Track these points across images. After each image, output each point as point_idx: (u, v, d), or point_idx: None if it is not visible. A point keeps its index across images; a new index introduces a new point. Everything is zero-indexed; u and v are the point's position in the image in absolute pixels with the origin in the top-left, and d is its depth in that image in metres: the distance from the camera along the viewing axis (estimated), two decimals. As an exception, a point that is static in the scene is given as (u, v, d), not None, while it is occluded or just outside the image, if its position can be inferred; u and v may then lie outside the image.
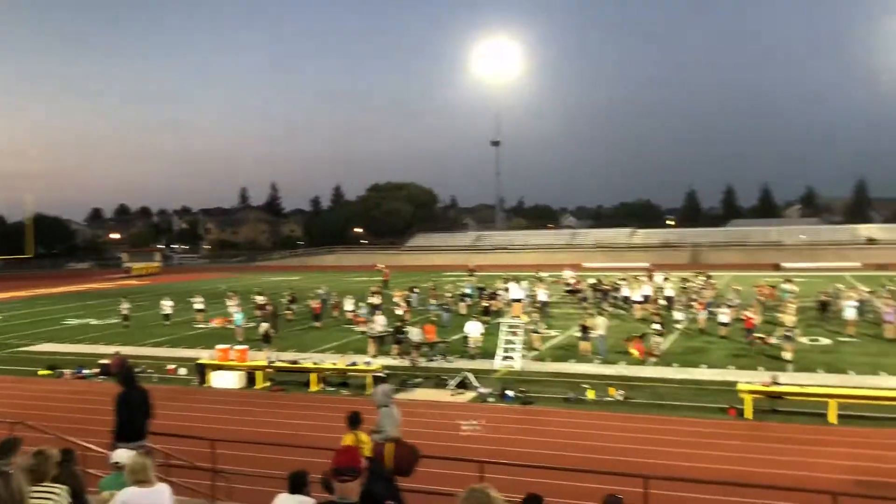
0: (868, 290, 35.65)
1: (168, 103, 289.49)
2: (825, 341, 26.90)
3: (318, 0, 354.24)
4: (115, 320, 37.87)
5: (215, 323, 35.31)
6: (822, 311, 32.41)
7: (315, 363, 22.52)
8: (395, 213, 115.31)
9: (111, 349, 27.41)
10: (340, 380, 22.07)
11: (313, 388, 21.53)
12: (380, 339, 26.85)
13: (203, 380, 22.68)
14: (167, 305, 36.84)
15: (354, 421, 8.64)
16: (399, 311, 32.73)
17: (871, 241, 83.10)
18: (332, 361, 23.18)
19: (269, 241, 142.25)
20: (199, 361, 23.42)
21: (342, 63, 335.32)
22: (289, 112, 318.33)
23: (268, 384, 22.22)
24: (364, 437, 8.21)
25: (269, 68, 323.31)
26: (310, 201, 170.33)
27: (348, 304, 35.81)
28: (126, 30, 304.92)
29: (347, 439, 8.32)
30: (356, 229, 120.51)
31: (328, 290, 41.35)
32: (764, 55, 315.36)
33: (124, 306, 36.69)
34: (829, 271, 60.88)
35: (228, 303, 37.01)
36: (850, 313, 28.75)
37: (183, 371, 24.25)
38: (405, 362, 24.61)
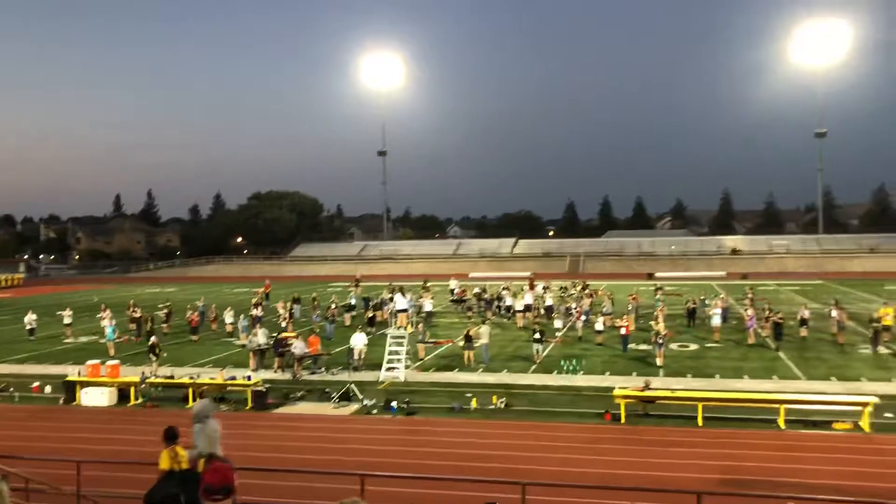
0: (733, 298, 37.84)
1: (33, 106, 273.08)
2: (693, 347, 28.36)
3: (203, 4, 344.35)
4: (-28, 336, 35.26)
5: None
6: (690, 319, 34.17)
7: (192, 378, 21.76)
8: (277, 223, 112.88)
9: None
10: (219, 395, 21.41)
11: (190, 404, 20.78)
12: (261, 353, 26.22)
13: (71, 398, 21.44)
14: (31, 319, 34.64)
15: (170, 436, 8.44)
16: (282, 324, 32.10)
17: (735, 251, 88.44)
18: (210, 376, 22.47)
19: (144, 252, 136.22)
20: (67, 378, 22.13)
21: (225, 68, 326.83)
22: (167, 117, 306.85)
23: (141, 401, 21.28)
24: (182, 452, 8.06)
25: (147, 71, 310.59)
26: (188, 210, 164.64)
27: (228, 317, 34.82)
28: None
29: (164, 456, 8.14)
30: (237, 239, 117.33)
31: (206, 303, 40.06)
32: (638, 75, 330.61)
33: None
34: (697, 280, 64.36)
35: (100, 316, 35.20)
36: (716, 320, 30.44)
37: (49, 389, 22.85)
38: (287, 376, 24.15)
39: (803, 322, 29.18)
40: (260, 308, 35.57)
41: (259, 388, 20.59)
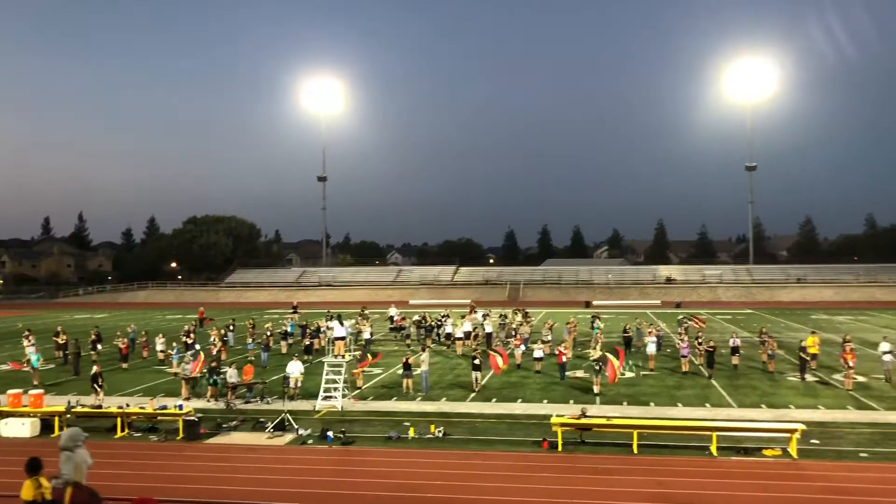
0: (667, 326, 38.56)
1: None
2: (629, 375, 28.72)
3: (137, 25, 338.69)
4: None
5: (11, 366, 32.09)
6: (627, 346, 34.65)
7: (121, 407, 21.00)
8: (213, 248, 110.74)
9: None
10: (149, 424, 20.74)
11: (119, 434, 20.06)
12: (193, 381, 25.54)
13: (-12, 429, 20.43)
14: (-52, 347, 33.09)
15: (32, 467, 8.19)
16: (214, 351, 31.36)
17: (669, 280, 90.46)
18: (140, 405, 21.74)
19: (74, 276, 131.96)
20: (-15, 409, 21.10)
21: (161, 90, 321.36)
22: (100, 139, 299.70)
23: (65, 432, 20.40)
24: (45, 482, 7.82)
25: (78, 93, 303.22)
26: (121, 234, 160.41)
27: (159, 344, 33.86)
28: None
29: (26, 487, 7.90)
30: (171, 264, 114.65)
31: (137, 329, 38.94)
32: (578, 107, 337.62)
33: None
34: (632, 308, 65.50)
35: (25, 343, 33.84)
36: (651, 348, 30.94)
37: (-36, 420, 21.71)
38: (220, 405, 23.54)
39: (735, 350, 29.89)
40: (192, 335, 34.71)
41: (191, 418, 19.99)
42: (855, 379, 25.81)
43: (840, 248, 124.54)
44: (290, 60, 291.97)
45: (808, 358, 28.03)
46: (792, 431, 17.45)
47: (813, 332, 32.84)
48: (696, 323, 38.57)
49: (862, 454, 17.21)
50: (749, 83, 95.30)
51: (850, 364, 25.57)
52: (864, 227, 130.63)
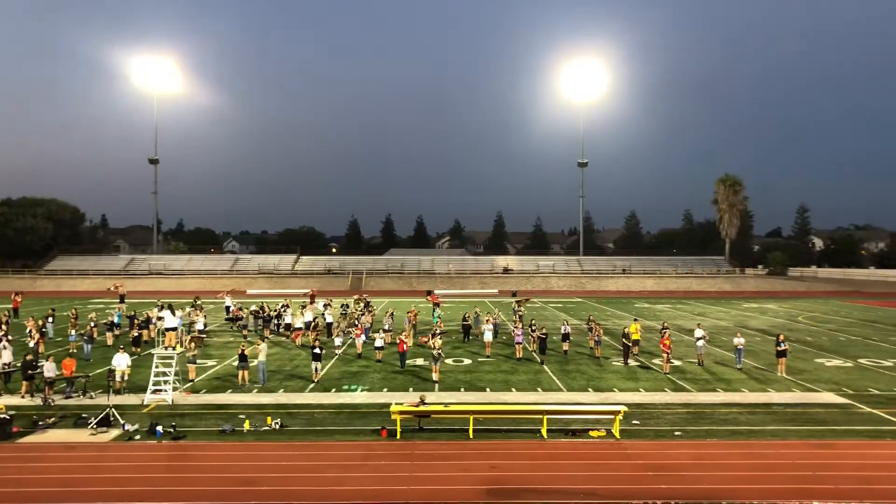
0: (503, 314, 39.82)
1: None
2: (467, 361, 29.42)
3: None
4: None
5: None
6: (465, 334, 35.50)
7: (-84, 407, 18.94)
8: (30, 232, 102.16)
9: None
10: (-49, 425, 18.85)
11: (-87, 437, 18.10)
12: (5, 376, 23.51)
13: None
14: None
15: None
16: (31, 343, 29.03)
17: (506, 270, 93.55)
18: (-59, 404, 19.71)
19: None
20: None
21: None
22: None
23: None
24: None
25: None
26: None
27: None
28: None
29: None
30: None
31: (-60, 320, 35.32)
32: (423, 98, 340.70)
33: None
34: (472, 297, 67.20)
35: None
36: (488, 336, 31.85)
37: None
38: (37, 401, 21.82)
39: (565, 337, 31.37)
40: (5, 326, 31.95)
41: (2, 416, 18.38)
42: (672, 363, 27.83)
43: (661, 241, 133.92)
44: (121, 35, 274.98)
45: (631, 344, 29.90)
46: (615, 413, 18.59)
47: (635, 320, 35.14)
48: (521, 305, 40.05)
49: (677, 433, 18.59)
50: (583, 84, 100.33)
51: (668, 349, 27.55)
52: (682, 222, 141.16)
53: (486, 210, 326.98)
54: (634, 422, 19.43)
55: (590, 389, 24.18)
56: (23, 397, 22.32)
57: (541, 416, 18.69)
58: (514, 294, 70.99)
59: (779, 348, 27.14)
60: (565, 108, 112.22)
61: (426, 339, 28.19)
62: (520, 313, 37.32)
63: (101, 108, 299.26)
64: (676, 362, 28.77)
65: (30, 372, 22.87)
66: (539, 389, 24.13)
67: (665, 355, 27.45)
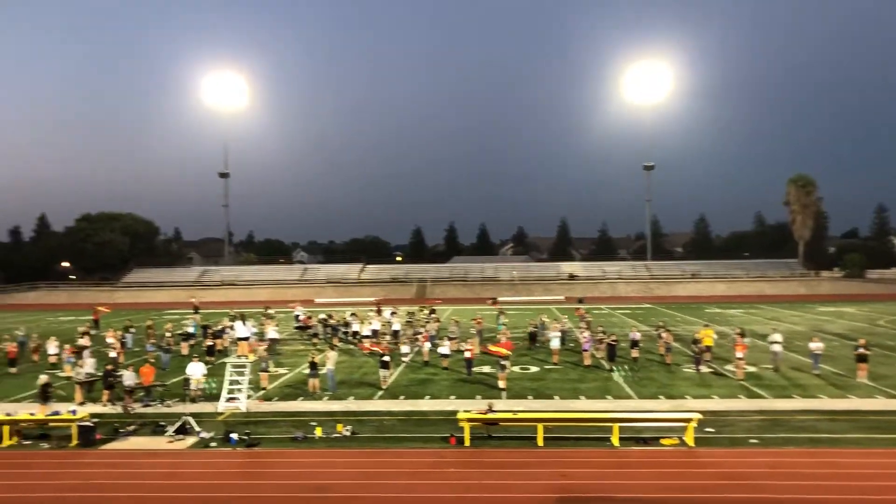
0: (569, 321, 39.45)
1: None
2: (534, 369, 29.25)
3: (29, 20, 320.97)
4: None
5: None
6: (531, 341, 35.31)
7: (8, 414, 19.87)
8: (109, 246, 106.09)
9: None
10: (40, 432, 19.71)
11: (6, 442, 18.98)
12: (88, 385, 24.46)
13: None
14: None
15: None
16: (112, 353, 30.12)
17: (572, 276, 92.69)
18: (30, 412, 20.63)
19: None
20: None
21: (52, 82, 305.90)
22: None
23: (-55, 443, 19.18)
24: None
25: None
26: (8, 231, 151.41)
27: (51, 347, 32.23)
28: None
29: None
30: (63, 264, 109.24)
31: (27, 332, 36.98)
32: (484, 107, 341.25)
33: None
34: (537, 304, 66.82)
35: None
36: (554, 343, 31.61)
37: None
38: (118, 409, 22.62)
39: (634, 344, 30.89)
40: (88, 337, 33.24)
41: (86, 423, 19.12)
42: (746, 369, 27.13)
43: (731, 245, 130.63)
44: (191, 54, 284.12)
45: (703, 350, 29.26)
46: (688, 421, 18.20)
47: (706, 326, 34.36)
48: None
49: (752, 440, 18.10)
50: (648, 85, 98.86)
51: (742, 355, 26.85)
52: (753, 225, 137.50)
53: (549, 216, 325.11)
54: (708, 429, 18.99)
55: (661, 397, 23.76)
56: (104, 405, 23.15)
57: (611, 424, 18.45)
58: (580, 301, 70.27)
59: (859, 353, 26.16)
60: (630, 111, 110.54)
61: (490, 348, 28.11)
62: (587, 320, 36.92)
63: (174, 125, 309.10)
64: (751, 368, 28.02)
65: (111, 381, 23.73)
66: (608, 397, 23.82)
67: (739, 361, 26.77)
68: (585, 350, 30.07)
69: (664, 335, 31.36)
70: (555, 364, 30.22)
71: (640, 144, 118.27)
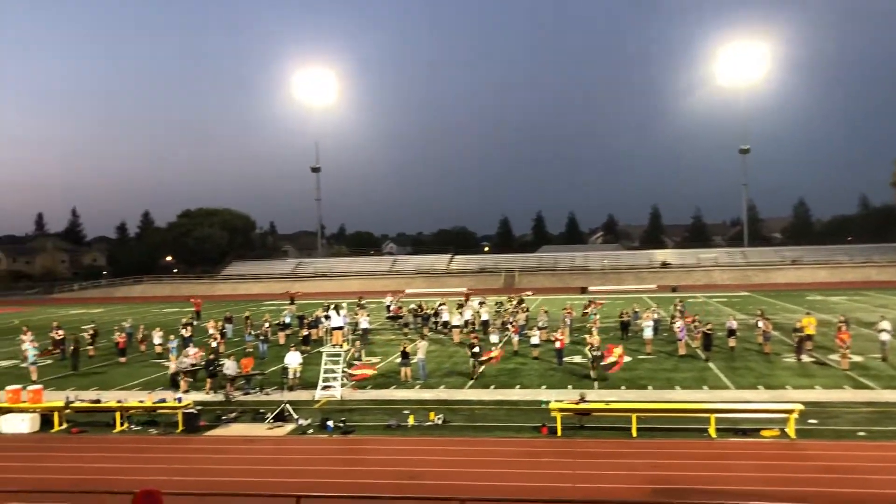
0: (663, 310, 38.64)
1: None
2: (627, 359, 28.79)
3: (128, 20, 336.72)
4: None
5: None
6: (624, 331, 34.76)
7: (119, 401, 21.00)
8: (208, 241, 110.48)
9: None
10: (148, 418, 20.77)
11: (118, 428, 20.09)
12: (192, 374, 25.58)
13: (-11, 426, 20.46)
14: (-54, 344, 32.97)
15: None
16: (213, 344, 31.37)
17: (664, 264, 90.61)
18: (139, 399, 21.75)
19: (68, 272, 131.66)
20: (-15, 405, 21.08)
21: (153, 84, 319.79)
22: (93, 134, 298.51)
23: (66, 426, 20.45)
24: None
25: (71, 88, 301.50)
26: (115, 228, 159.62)
27: (157, 338, 33.84)
28: None
29: None
30: (166, 258, 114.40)
31: (134, 323, 38.93)
32: (572, 92, 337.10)
33: None
34: (629, 293, 65.66)
35: (22, 339, 33.85)
36: (647, 332, 31.02)
37: (-36, 417, 21.74)
38: (219, 397, 23.57)
39: (731, 333, 29.99)
40: (190, 328, 34.73)
41: (190, 410, 20.03)
42: (851, 359, 25.95)
43: (834, 229, 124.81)
44: (282, 52, 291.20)
45: (804, 339, 28.16)
46: (790, 412, 17.56)
47: (808, 313, 32.99)
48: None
49: (860, 433, 17.33)
50: (742, 66, 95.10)
51: (846, 344, 25.70)
52: (857, 208, 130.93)
53: (640, 203, 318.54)
54: (811, 421, 18.27)
55: (760, 387, 23.02)
56: (207, 393, 24.17)
57: (708, 415, 18.00)
58: (674, 289, 68.70)
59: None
60: (724, 92, 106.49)
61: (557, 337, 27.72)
62: (680, 308, 36.07)
63: (267, 121, 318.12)
64: (856, 358, 26.77)
65: (212, 370, 24.75)
66: (705, 387, 23.25)
67: (843, 350, 25.64)
68: (680, 339, 29.40)
69: (762, 324, 30.30)
70: (648, 354, 29.69)
71: (736, 127, 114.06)
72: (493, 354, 25.57)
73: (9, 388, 21.87)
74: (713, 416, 17.84)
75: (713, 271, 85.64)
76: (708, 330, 28.87)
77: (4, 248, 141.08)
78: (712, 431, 17.52)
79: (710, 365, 27.00)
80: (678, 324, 30.56)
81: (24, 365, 29.68)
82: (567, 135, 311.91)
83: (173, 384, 25.00)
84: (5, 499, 10.63)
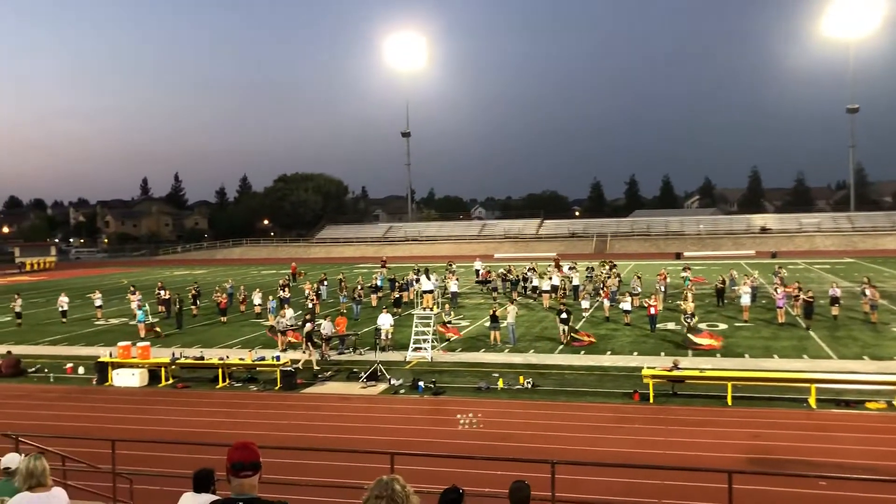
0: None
1: (65, 91, 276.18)
2: (722, 326, 28.07)
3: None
4: (7, 318, 35.99)
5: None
6: (719, 298, 33.82)
7: (221, 359, 21.97)
8: (303, 205, 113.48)
9: (2, 349, 25.99)
10: (248, 375, 21.65)
11: (220, 384, 21.03)
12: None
13: (103, 379, 21.80)
14: (63, 302, 35.16)
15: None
16: (309, 305, 32.30)
17: (764, 229, 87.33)
18: (240, 357, 22.68)
19: (172, 234, 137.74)
20: (100, 360, 22.46)
21: (250, 53, 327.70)
22: (194, 102, 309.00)
23: (172, 381, 21.57)
24: None
25: (173, 58, 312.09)
26: (215, 192, 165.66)
27: (256, 298, 35.11)
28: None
29: None
30: (264, 221, 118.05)
31: (235, 284, 40.47)
32: (665, 51, 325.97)
33: (17, 303, 34.75)
34: (725, 259, 63.69)
35: (130, 298, 35.78)
36: (745, 299, 30.08)
37: (82, 370, 23.25)
38: (315, 356, 24.30)
39: (834, 301, 28.75)
40: (287, 289, 35.85)
41: (288, 369, 20.76)
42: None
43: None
44: (374, 17, 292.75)
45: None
46: (897, 384, 16.77)
47: (920, 282, 31.24)
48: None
49: (975, 408, 16.40)
50: (850, 18, 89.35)
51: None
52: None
53: (738, 166, 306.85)
54: (922, 394, 17.40)
55: (865, 357, 22.05)
56: (303, 353, 24.95)
57: (808, 385, 17.38)
58: (773, 255, 66.24)
59: None
60: (829, 47, 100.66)
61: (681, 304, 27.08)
62: (780, 275, 34.77)
63: (359, 86, 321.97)
64: (974, 330, 25.24)
65: (309, 330, 25.48)
66: (805, 357, 22.44)
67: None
68: (780, 307, 28.40)
69: (869, 291, 28.88)
70: (745, 321, 28.82)
71: (843, 85, 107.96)
72: (587, 338, 25.17)
73: (120, 344, 23.16)
74: (814, 387, 17.21)
75: (816, 237, 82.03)
76: (809, 297, 27.77)
77: (113, 211, 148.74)
78: (812, 402, 16.92)
79: (812, 333, 26.01)
80: (778, 291, 29.49)
81: (132, 323, 31.35)
82: (661, 96, 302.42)
83: (310, 342, 24.55)
84: (119, 447, 11.32)
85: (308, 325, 23.69)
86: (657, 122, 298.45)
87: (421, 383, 19.63)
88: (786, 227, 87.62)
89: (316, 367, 21.81)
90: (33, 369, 23.70)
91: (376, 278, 40.56)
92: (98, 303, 36.02)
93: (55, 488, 5.88)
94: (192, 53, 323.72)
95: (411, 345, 23.76)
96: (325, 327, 24.71)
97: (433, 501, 5.06)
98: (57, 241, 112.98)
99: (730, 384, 17.63)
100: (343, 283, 39.01)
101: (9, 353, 24.32)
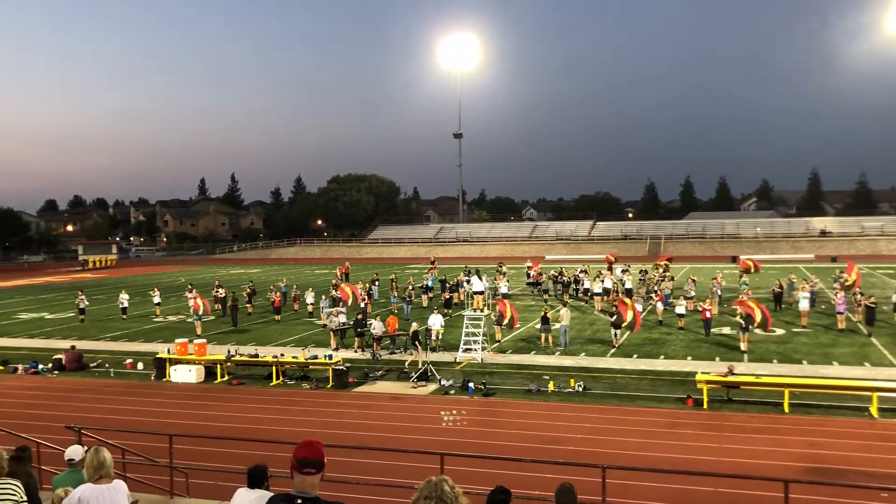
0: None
1: (126, 93, 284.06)
2: (779, 332, 27.44)
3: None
4: (71, 314, 37.16)
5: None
6: (777, 303, 33.05)
7: (275, 357, 22.34)
8: (356, 205, 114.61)
9: (66, 344, 26.90)
10: (301, 373, 21.96)
11: (274, 381, 21.38)
12: (341, 333, 26.74)
13: (161, 374, 22.36)
14: (124, 299, 36.17)
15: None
16: (361, 304, 32.58)
17: (824, 233, 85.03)
18: (293, 355, 23.03)
19: (228, 234, 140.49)
20: (158, 356, 23.05)
21: (306, 56, 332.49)
22: (249, 103, 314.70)
23: (227, 378, 22.00)
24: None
25: (230, 60, 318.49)
26: (270, 193, 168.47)
27: (309, 298, 35.58)
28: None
29: None
30: (317, 221, 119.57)
31: (288, 283, 41.07)
32: (723, 50, 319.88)
33: (81, 299, 35.85)
34: (783, 263, 62.20)
35: (188, 296, 36.63)
36: (803, 304, 29.34)
37: (141, 365, 23.90)
38: (366, 355, 24.55)
39: (898, 307, 27.83)
40: (338, 289, 36.20)
41: (340, 367, 21.00)
42: None
43: None
44: (428, 18, 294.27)
45: None
46: (965, 394, 16.17)
47: None
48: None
49: None
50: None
51: None
52: None
53: (797, 168, 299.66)
54: None
55: (930, 366, 21.29)
56: (355, 352, 25.23)
57: (870, 393, 16.87)
58: (833, 259, 64.45)
59: None
60: (893, 45, 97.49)
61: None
62: (842, 280, 33.81)
63: (412, 87, 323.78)
64: None
65: (360, 329, 25.77)
66: (866, 364, 21.78)
67: None
68: (840, 313, 27.63)
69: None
70: (803, 327, 28.12)
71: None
72: (630, 316, 24.93)
73: (177, 340, 23.72)
74: (875, 395, 16.71)
75: (879, 241, 79.53)
76: (871, 303, 26.94)
77: (171, 210, 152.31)
78: (874, 411, 16.42)
79: (873, 340, 25.24)
80: (838, 296, 28.72)
81: (190, 320, 32.07)
82: (718, 96, 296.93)
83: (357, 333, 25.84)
84: (176, 441, 11.61)
85: (414, 325, 23.81)
86: (714, 122, 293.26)
87: (471, 384, 19.66)
88: (846, 231, 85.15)
89: (420, 367, 21.61)
90: (95, 364, 24.42)
91: (427, 279, 40.69)
92: (157, 300, 36.96)
93: (116, 481, 6.09)
94: (250, 56, 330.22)
95: (461, 346, 23.80)
96: (376, 327, 24.92)
97: (482, 502, 5.08)
98: (118, 239, 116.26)
99: (787, 391, 17.24)
100: (394, 283, 39.28)
101: (73, 347, 25.13)
